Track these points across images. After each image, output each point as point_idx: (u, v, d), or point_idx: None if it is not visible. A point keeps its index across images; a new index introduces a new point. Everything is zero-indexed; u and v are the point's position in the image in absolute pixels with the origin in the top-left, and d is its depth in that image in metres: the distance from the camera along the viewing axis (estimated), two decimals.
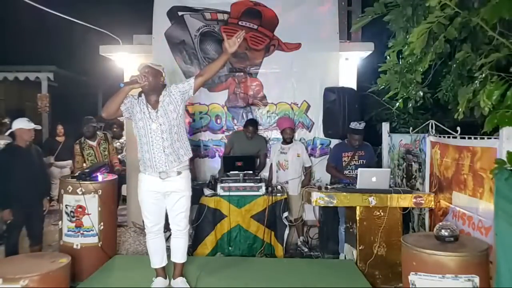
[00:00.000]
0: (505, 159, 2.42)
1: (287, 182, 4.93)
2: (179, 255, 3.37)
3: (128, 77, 5.84)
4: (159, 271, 3.40)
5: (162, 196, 3.24)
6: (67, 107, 9.41)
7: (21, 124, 3.99)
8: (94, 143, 5.19)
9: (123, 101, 3.07)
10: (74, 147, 5.23)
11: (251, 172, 4.73)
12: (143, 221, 3.40)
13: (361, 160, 4.57)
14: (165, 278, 3.41)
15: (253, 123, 5.18)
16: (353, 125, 4.51)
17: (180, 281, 3.36)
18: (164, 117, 3.10)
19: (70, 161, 6.86)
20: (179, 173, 3.20)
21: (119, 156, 5.84)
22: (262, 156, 5.29)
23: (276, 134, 5.50)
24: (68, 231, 4.02)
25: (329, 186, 4.16)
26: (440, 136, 3.79)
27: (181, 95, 3.15)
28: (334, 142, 5.22)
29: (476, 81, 2.68)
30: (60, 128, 7.10)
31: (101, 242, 4.02)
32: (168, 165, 3.12)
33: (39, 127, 4.20)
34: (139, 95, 3.21)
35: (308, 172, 5.15)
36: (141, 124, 3.12)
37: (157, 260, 3.38)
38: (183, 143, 3.23)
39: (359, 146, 4.56)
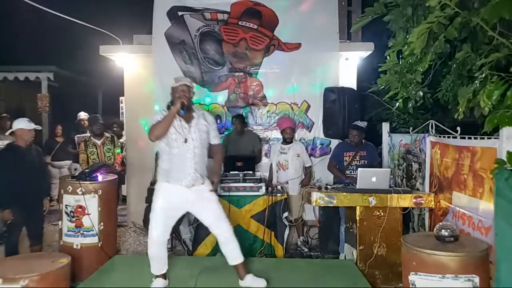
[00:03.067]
0: (505, 159, 2.43)
1: (287, 182, 4.93)
2: (237, 256, 3.39)
3: (128, 76, 5.90)
4: (161, 275, 3.40)
5: (181, 208, 3.31)
6: (67, 107, 9.40)
7: (22, 124, 3.99)
8: (99, 142, 5.19)
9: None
10: (80, 145, 5.23)
11: (251, 172, 4.73)
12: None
13: (363, 160, 4.58)
14: (165, 279, 3.41)
15: (239, 118, 5.22)
16: (355, 122, 4.60)
17: (250, 277, 3.36)
18: (197, 133, 3.23)
19: (68, 161, 6.86)
20: (202, 182, 3.29)
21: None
22: (257, 153, 5.30)
23: (276, 134, 5.49)
24: (68, 231, 4.02)
25: (329, 186, 4.16)
26: (440, 136, 3.79)
27: (206, 131, 3.31)
28: (334, 142, 5.23)
29: (476, 81, 2.68)
30: (58, 128, 7.10)
31: (101, 242, 4.02)
32: (194, 181, 3.21)
33: (39, 128, 4.20)
34: (168, 108, 3.28)
35: (308, 172, 5.15)
36: (174, 137, 3.18)
37: (159, 268, 3.36)
38: (204, 165, 3.33)
39: (357, 143, 4.57)
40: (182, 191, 3.19)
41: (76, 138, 6.76)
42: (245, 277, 3.36)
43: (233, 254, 3.38)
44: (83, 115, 7.36)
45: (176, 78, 3.36)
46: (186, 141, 3.18)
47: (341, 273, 3.73)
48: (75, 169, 6.02)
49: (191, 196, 3.23)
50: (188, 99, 3.21)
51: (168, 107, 3.28)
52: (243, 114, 5.52)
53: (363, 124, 4.60)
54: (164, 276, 3.40)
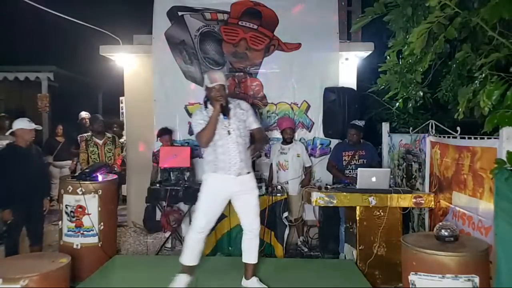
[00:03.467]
0: (505, 159, 2.43)
1: (287, 182, 4.93)
2: (253, 256, 3.39)
3: (128, 76, 5.90)
4: (187, 268, 3.32)
5: (227, 198, 3.32)
6: (67, 107, 9.40)
7: (22, 124, 3.99)
8: (100, 142, 5.18)
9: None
10: (81, 144, 5.23)
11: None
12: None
13: (362, 160, 4.58)
14: (191, 275, 3.33)
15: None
16: (353, 121, 4.62)
17: (255, 281, 3.36)
18: (237, 124, 3.27)
19: (69, 161, 6.87)
20: (248, 172, 3.34)
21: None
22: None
23: (276, 134, 5.49)
24: (68, 231, 4.02)
25: (329, 186, 4.16)
26: (440, 136, 3.79)
27: (244, 119, 3.34)
28: (334, 142, 5.22)
29: (476, 81, 2.68)
30: (59, 128, 7.10)
31: (101, 242, 4.02)
32: (241, 169, 3.25)
33: (40, 128, 4.20)
34: (206, 105, 3.32)
35: (308, 172, 5.15)
36: (217, 131, 3.22)
37: (191, 258, 3.31)
38: (248, 154, 3.36)
39: (355, 143, 4.58)
40: (228, 180, 3.23)
41: (78, 138, 6.76)
42: (251, 279, 3.37)
43: (250, 252, 3.38)
44: (84, 114, 7.36)
45: (208, 75, 3.33)
46: (229, 133, 3.23)
47: (341, 273, 3.73)
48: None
49: (237, 186, 3.26)
50: (225, 98, 3.23)
51: (205, 103, 3.32)
52: None
53: (361, 123, 4.61)
54: (190, 270, 3.32)
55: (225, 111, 3.21)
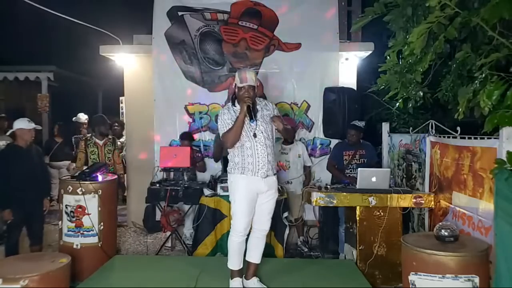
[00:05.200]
0: (505, 159, 2.43)
1: (290, 182, 4.93)
2: (257, 256, 3.41)
3: (128, 76, 5.90)
4: (236, 272, 3.37)
5: (257, 198, 3.32)
6: (67, 107, 9.40)
7: (22, 124, 3.99)
8: (100, 142, 5.18)
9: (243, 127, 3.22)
10: (80, 143, 5.21)
11: None
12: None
13: (362, 159, 4.59)
14: (241, 277, 3.39)
15: None
16: (354, 121, 4.63)
17: (256, 281, 3.38)
18: (264, 126, 3.28)
19: (67, 162, 6.82)
20: (275, 174, 3.38)
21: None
22: None
23: (276, 134, 5.48)
24: (68, 231, 4.01)
25: (329, 186, 4.16)
26: (440, 136, 3.79)
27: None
28: (334, 142, 5.22)
29: (476, 81, 2.68)
30: (55, 128, 7.07)
31: (101, 242, 4.02)
32: (268, 171, 3.27)
33: (39, 127, 4.20)
34: (233, 103, 3.33)
35: (308, 172, 5.15)
36: (244, 133, 3.24)
37: (238, 261, 3.36)
38: (275, 154, 3.41)
39: (355, 143, 4.58)
40: (257, 181, 3.24)
41: (73, 139, 6.74)
42: (251, 279, 3.38)
43: (255, 251, 3.40)
44: (83, 118, 7.21)
45: (239, 73, 3.27)
46: (255, 135, 3.24)
47: (341, 273, 3.73)
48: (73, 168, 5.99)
49: (264, 187, 3.28)
50: (252, 99, 3.22)
51: (233, 101, 3.33)
52: None
53: (361, 124, 4.60)
54: (240, 273, 3.38)
55: (252, 114, 3.20)
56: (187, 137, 5.14)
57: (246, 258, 3.42)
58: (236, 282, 3.36)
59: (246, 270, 3.41)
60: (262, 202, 3.33)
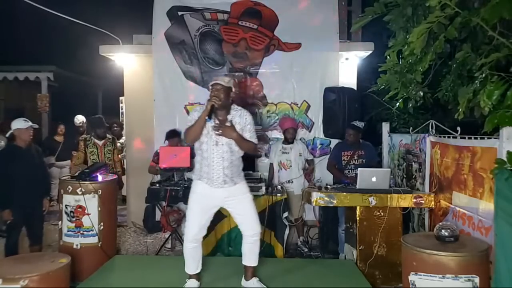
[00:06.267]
0: (505, 159, 2.42)
1: (291, 181, 4.93)
2: (253, 259, 3.36)
3: (128, 76, 5.90)
4: (194, 276, 3.36)
5: (217, 205, 3.27)
6: (67, 107, 9.41)
7: (19, 124, 4.00)
8: (100, 143, 5.16)
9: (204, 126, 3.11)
10: (79, 143, 5.21)
11: (251, 172, 4.72)
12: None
13: (361, 160, 4.58)
14: (198, 280, 3.37)
15: None
16: (353, 122, 4.62)
17: (255, 281, 3.35)
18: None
19: (69, 161, 6.84)
20: (235, 183, 3.24)
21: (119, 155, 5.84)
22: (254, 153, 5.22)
23: (276, 134, 5.50)
24: (68, 231, 4.01)
25: (329, 186, 4.16)
26: (440, 136, 3.79)
27: (241, 131, 3.18)
28: (334, 142, 5.22)
29: (476, 81, 2.68)
30: (60, 128, 7.08)
31: (101, 242, 4.02)
32: (223, 183, 3.17)
33: (36, 126, 4.19)
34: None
35: (311, 168, 5.17)
36: (205, 140, 3.15)
37: (193, 267, 3.34)
38: (239, 168, 3.29)
39: (354, 143, 4.58)
40: (213, 190, 3.18)
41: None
42: (251, 280, 3.36)
43: (250, 255, 3.35)
44: (77, 121, 7.22)
45: (216, 76, 3.27)
46: (217, 144, 3.13)
47: (341, 273, 3.73)
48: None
49: (223, 194, 3.20)
50: (221, 100, 3.07)
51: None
52: None
53: (360, 124, 4.59)
54: (197, 276, 3.36)
55: (212, 114, 3.05)
56: (175, 135, 5.00)
57: (243, 263, 3.39)
58: (191, 282, 3.33)
59: (244, 272, 3.41)
60: (233, 208, 3.28)
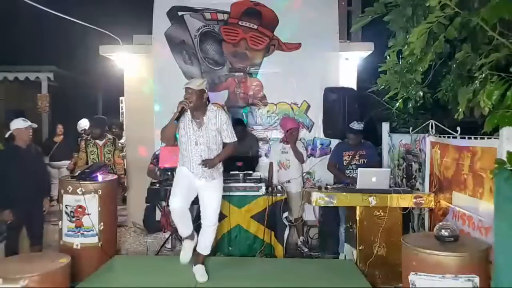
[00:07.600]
0: (505, 159, 2.42)
1: (289, 181, 4.93)
2: (204, 249, 3.60)
3: (128, 76, 5.90)
4: (186, 237, 3.61)
5: (195, 186, 3.49)
6: (67, 107, 9.41)
7: (18, 124, 4.00)
8: (100, 143, 5.17)
9: (177, 128, 3.37)
10: (80, 143, 5.21)
11: (251, 172, 4.73)
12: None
13: (362, 160, 4.58)
14: (192, 239, 3.62)
15: (240, 124, 5.04)
16: (351, 124, 4.59)
17: (199, 268, 3.55)
18: (205, 138, 3.38)
19: (66, 161, 6.81)
20: (213, 178, 3.50)
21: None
22: (254, 153, 5.27)
23: (276, 134, 5.50)
24: (68, 231, 4.02)
25: (329, 186, 4.16)
26: (440, 136, 3.79)
27: (217, 131, 3.42)
28: (334, 142, 5.22)
29: (476, 81, 2.68)
30: (59, 128, 7.06)
31: (101, 242, 4.02)
32: (203, 177, 3.44)
33: (35, 125, 4.19)
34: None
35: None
36: (184, 140, 3.41)
37: (184, 231, 3.58)
38: (217, 164, 3.50)
39: (356, 145, 4.57)
40: (194, 176, 3.45)
41: (78, 140, 6.74)
42: (197, 265, 3.56)
43: (203, 243, 3.59)
44: (84, 123, 7.05)
45: (191, 80, 3.51)
46: (196, 143, 3.37)
47: (341, 273, 3.73)
48: None
49: (201, 183, 3.46)
50: (192, 102, 3.26)
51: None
52: (243, 114, 5.52)
53: (359, 126, 4.58)
54: (191, 236, 3.60)
55: (179, 116, 3.25)
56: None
57: (196, 248, 3.61)
58: (186, 242, 3.60)
59: (195, 258, 3.60)
60: (202, 196, 3.52)
